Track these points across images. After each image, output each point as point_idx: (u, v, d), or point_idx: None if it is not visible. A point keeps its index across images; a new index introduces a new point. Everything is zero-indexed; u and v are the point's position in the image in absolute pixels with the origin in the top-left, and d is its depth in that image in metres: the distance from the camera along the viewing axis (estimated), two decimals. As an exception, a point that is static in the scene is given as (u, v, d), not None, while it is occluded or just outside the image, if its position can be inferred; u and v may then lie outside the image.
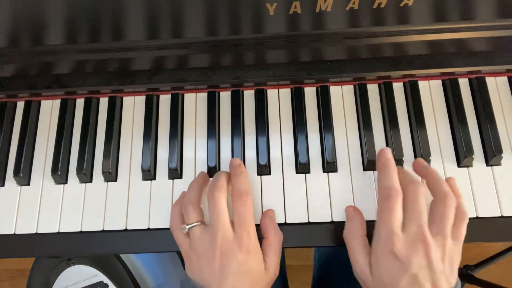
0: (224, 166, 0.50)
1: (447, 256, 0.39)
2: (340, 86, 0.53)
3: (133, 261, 0.70)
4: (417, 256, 0.38)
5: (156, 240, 0.48)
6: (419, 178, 0.45)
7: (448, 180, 0.45)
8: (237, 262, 0.41)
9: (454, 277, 0.40)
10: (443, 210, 0.40)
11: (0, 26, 0.45)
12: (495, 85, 0.52)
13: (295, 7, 0.43)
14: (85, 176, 0.50)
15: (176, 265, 0.74)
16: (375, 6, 0.44)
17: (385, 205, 0.41)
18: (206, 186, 0.48)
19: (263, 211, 0.48)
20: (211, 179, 0.49)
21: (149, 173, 0.50)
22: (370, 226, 0.44)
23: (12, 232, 0.49)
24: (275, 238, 0.45)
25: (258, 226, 0.46)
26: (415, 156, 0.49)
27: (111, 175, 0.50)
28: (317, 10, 0.44)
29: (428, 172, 0.44)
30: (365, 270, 0.41)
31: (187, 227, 0.43)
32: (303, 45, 0.50)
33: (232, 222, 0.43)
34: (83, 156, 0.51)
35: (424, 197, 0.40)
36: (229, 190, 0.46)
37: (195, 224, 0.43)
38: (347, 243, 0.44)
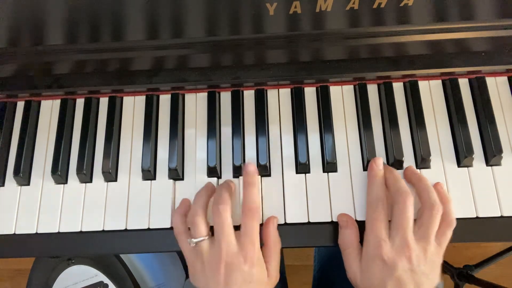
0: (225, 166, 0.50)
1: (428, 259, 0.42)
2: (340, 86, 0.53)
3: (133, 261, 0.70)
4: (401, 260, 0.41)
5: (156, 240, 0.48)
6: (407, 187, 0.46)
7: (436, 185, 0.47)
8: (242, 274, 0.42)
9: (437, 276, 0.43)
10: (429, 217, 0.43)
11: (0, 25, 0.45)
12: (495, 85, 0.52)
13: (295, 7, 0.43)
14: (85, 176, 0.50)
15: (176, 265, 0.74)
16: (375, 6, 0.44)
17: (373, 215, 0.44)
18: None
19: (264, 212, 0.48)
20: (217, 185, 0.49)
21: (149, 173, 0.50)
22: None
23: (12, 232, 0.49)
24: (275, 246, 0.46)
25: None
26: (415, 156, 0.49)
27: (111, 175, 0.50)
28: (317, 10, 0.44)
29: (418, 180, 0.46)
30: (357, 275, 0.44)
31: (195, 241, 0.44)
32: (303, 45, 0.50)
33: (235, 232, 0.44)
34: (83, 156, 0.51)
35: (411, 208, 0.43)
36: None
37: (202, 239, 0.44)
38: (342, 251, 0.46)
